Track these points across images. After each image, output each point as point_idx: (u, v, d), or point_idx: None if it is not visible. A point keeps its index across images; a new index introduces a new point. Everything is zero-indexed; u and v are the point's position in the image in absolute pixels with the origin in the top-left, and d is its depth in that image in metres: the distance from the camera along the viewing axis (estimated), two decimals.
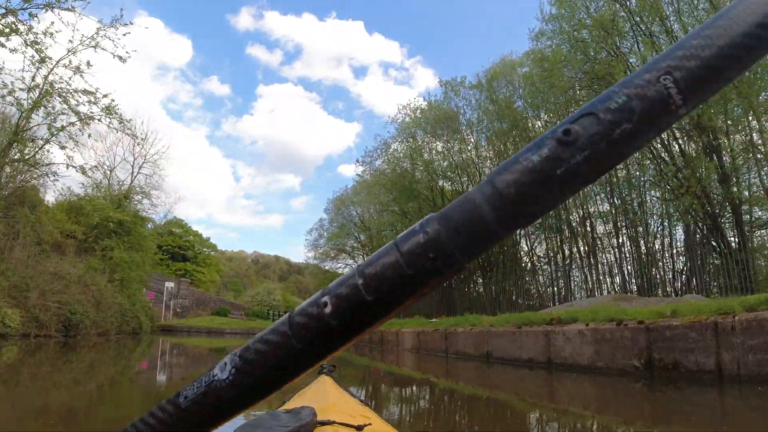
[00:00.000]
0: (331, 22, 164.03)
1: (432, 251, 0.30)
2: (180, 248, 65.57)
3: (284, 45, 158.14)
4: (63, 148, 15.08)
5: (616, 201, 19.47)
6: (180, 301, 43.04)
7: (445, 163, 28.21)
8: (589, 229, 20.48)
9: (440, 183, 28.88)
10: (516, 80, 24.46)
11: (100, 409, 4.84)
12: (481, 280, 26.48)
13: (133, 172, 37.69)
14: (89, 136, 15.73)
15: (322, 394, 1.80)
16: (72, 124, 15.16)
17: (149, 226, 33.71)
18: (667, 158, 15.68)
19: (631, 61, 15.78)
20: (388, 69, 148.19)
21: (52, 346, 11.20)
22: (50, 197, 24.08)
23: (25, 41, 12.67)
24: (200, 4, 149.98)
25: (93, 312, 16.18)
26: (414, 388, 7.41)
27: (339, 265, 44.05)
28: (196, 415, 0.32)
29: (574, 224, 21.68)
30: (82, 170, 15.41)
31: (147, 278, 29.81)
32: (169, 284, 41.37)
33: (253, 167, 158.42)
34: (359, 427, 1.26)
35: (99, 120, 15.64)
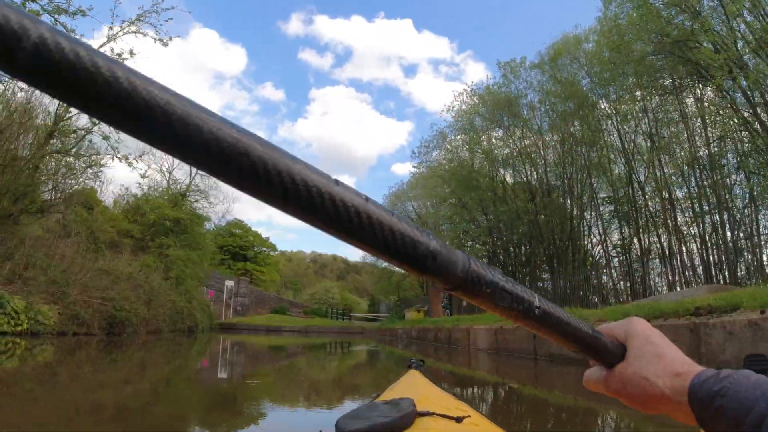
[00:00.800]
0: (380, 23, 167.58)
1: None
2: (240, 248, 66.88)
3: (334, 48, 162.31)
4: (106, 138, 14.70)
5: (697, 184, 17.23)
6: (240, 299, 43.46)
7: (506, 151, 26.47)
8: (669, 216, 18.27)
9: (501, 171, 27.16)
10: (581, 57, 22.39)
11: (156, 409, 4.53)
12: (547, 275, 24.68)
13: (191, 173, 38.30)
14: None
15: (414, 387, 1.81)
16: None
17: (208, 226, 33.99)
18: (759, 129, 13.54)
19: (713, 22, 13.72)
20: (438, 65, 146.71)
21: (94, 345, 10.71)
22: (108, 199, 24.54)
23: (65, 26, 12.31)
24: (252, 12, 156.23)
25: (143, 309, 15.84)
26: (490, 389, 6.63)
27: None
28: None
29: (652, 210, 19.50)
30: (127, 161, 15.16)
31: (205, 277, 29.97)
32: (229, 283, 41.79)
33: None
34: (459, 419, 1.26)
35: None
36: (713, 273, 15.30)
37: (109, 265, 15.58)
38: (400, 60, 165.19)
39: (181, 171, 37.50)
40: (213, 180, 37.21)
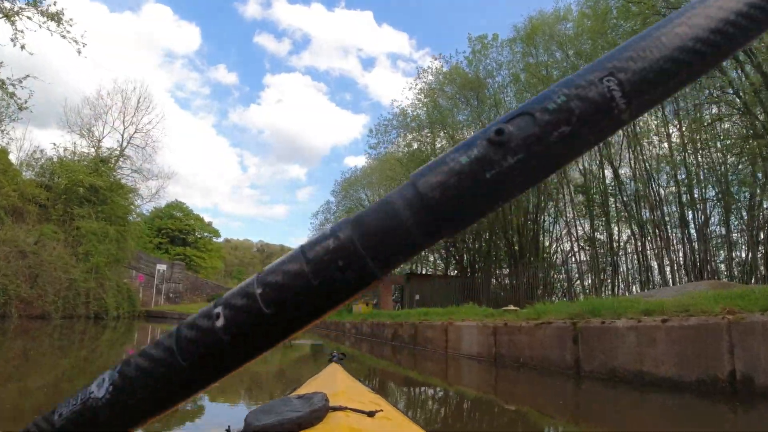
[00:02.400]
0: (340, 12, 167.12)
1: (342, 259, 0.26)
2: (180, 232, 63.45)
3: (292, 34, 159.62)
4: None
5: (685, 170, 15.78)
6: (173, 285, 39.75)
7: (471, 133, 24.49)
8: (648, 205, 16.77)
9: None
10: (561, 34, 20.62)
11: None
12: (506, 270, 23.00)
13: (122, 142, 34.55)
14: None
15: (333, 381, 1.81)
16: None
17: (143, 205, 30.42)
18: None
19: None
20: (397, 60, 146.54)
21: None
22: (13, 158, 20.76)
23: None
24: None
25: (24, 288, 12.67)
26: None
27: None
28: None
29: (626, 200, 17.99)
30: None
31: (130, 257, 26.39)
32: (161, 267, 38.07)
33: (259, 157, 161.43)
34: (371, 413, 1.26)
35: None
36: (702, 268, 13.76)
37: None
38: (359, 52, 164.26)
39: (112, 140, 33.59)
40: (148, 152, 33.72)
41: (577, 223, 20.34)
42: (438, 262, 30.36)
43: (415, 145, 26.19)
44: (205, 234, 68.50)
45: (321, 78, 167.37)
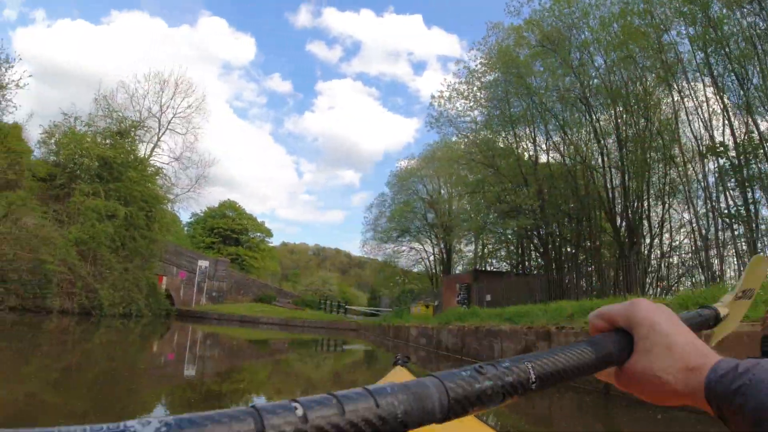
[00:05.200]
0: (389, 17, 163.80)
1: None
2: (233, 231, 61.92)
3: (343, 41, 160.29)
4: None
5: None
6: (216, 283, 36.75)
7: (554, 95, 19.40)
8: None
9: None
10: None
11: None
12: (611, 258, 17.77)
13: (159, 128, 31.91)
14: None
15: None
16: None
17: (182, 199, 27.63)
18: None
19: None
20: (447, 63, 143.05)
21: None
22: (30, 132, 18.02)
23: None
24: (260, 2, 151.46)
25: None
26: None
27: (403, 248, 36.38)
28: None
29: None
30: None
31: (155, 250, 23.06)
32: (203, 263, 35.13)
33: (315, 163, 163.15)
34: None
35: None
36: None
37: None
38: (409, 56, 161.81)
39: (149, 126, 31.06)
40: (189, 139, 30.90)
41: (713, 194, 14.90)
42: (513, 255, 25.37)
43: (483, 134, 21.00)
44: (258, 234, 67.01)
45: (372, 83, 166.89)
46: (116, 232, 16.71)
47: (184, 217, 65.23)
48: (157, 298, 21.52)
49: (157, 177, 23.35)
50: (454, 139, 24.58)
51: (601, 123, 17.25)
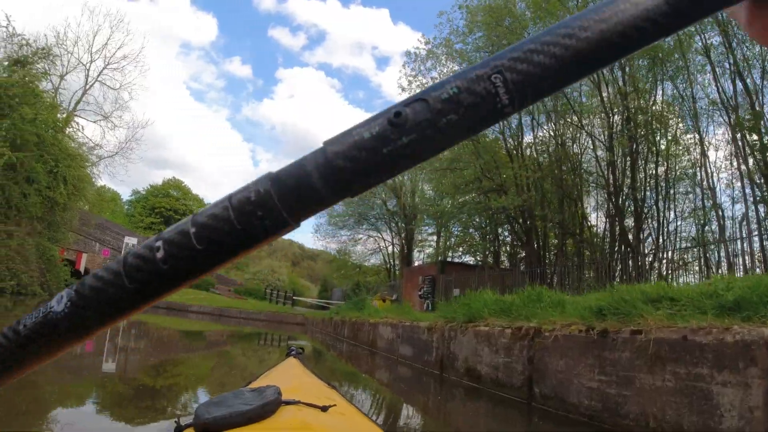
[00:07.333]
0: (356, 9, 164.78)
1: (261, 209, 0.30)
2: (176, 212, 57.58)
3: (307, 29, 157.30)
4: None
5: None
6: None
7: None
8: None
9: None
10: None
11: None
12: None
13: (87, 79, 27.50)
14: None
15: (288, 375, 1.82)
16: None
17: (111, 166, 23.38)
18: None
19: None
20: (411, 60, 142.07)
21: None
22: None
23: None
24: None
25: None
26: None
27: (360, 236, 33.24)
28: (34, 343, 0.32)
29: None
30: None
31: (61, 214, 18.81)
32: (130, 240, 30.65)
33: (271, 152, 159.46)
34: (324, 408, 1.25)
35: None
36: None
37: None
38: (374, 50, 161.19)
39: (79, 78, 26.62)
40: (124, 95, 26.60)
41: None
42: (487, 247, 22.59)
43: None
44: None
45: (334, 74, 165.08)
46: None
47: (111, 183, 60.30)
48: (56, 274, 17.44)
49: (69, 128, 19.21)
50: None
51: (610, 91, 14.60)
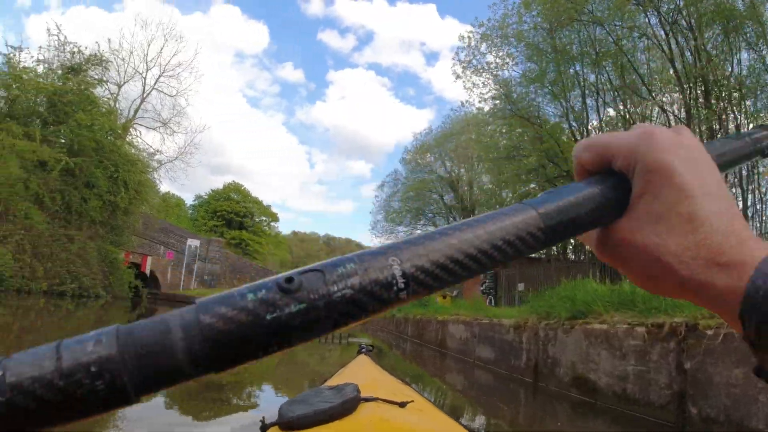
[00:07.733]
0: (402, 6, 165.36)
1: (97, 369, 0.22)
2: (237, 215, 59.25)
3: (355, 30, 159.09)
4: None
5: None
6: (209, 266, 33.07)
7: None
8: None
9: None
10: None
11: None
12: None
13: (144, 87, 28.26)
14: None
15: (362, 373, 1.86)
16: None
17: (171, 171, 23.95)
18: None
19: None
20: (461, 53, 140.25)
21: None
22: None
23: None
24: None
25: None
26: None
27: (418, 231, 32.41)
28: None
29: None
30: None
31: (133, 221, 19.29)
32: (193, 242, 31.37)
33: (326, 153, 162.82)
34: (402, 404, 1.28)
35: None
36: None
37: None
38: (422, 46, 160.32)
39: (136, 87, 27.49)
40: (181, 101, 27.22)
41: None
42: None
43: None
44: (263, 218, 64.52)
45: (384, 73, 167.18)
46: (49, 185, 12.95)
47: (173, 189, 62.69)
48: (119, 276, 17.79)
49: (129, 136, 19.69)
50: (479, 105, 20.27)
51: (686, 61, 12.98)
